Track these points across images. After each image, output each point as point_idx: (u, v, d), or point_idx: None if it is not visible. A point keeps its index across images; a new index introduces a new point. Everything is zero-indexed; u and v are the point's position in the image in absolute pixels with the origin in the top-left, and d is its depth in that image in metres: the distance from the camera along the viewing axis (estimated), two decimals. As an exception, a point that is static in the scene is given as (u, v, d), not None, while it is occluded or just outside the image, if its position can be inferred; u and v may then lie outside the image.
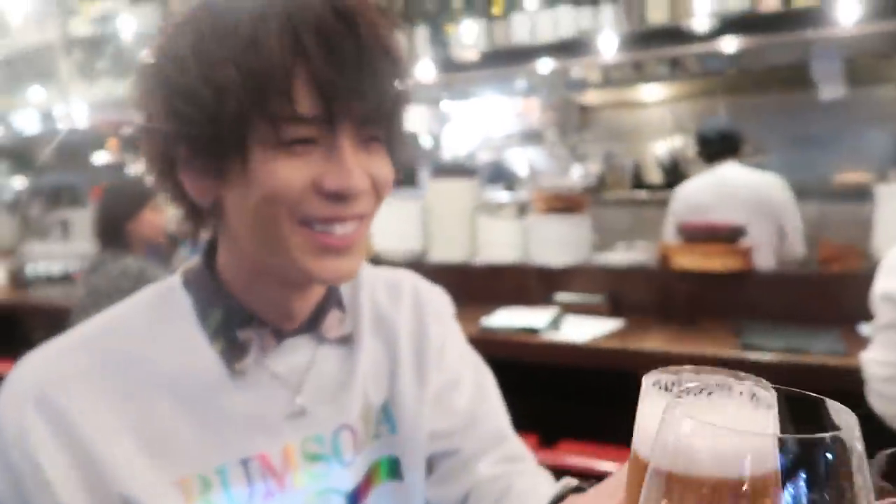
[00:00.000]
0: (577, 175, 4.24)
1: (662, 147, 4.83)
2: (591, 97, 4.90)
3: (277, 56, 0.59)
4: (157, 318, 0.71)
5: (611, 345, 2.23)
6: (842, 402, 0.31)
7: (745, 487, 0.28)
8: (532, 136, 5.05)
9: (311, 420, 0.74)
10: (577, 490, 0.67)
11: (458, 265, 3.00)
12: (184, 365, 0.68)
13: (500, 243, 2.96)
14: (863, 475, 0.29)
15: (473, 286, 2.89)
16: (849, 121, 4.09)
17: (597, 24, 3.00)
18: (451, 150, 5.23)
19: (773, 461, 0.28)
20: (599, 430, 1.90)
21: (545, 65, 3.23)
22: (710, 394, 0.36)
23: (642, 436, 0.41)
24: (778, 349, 2.04)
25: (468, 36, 3.30)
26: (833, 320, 2.24)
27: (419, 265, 3.01)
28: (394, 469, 0.79)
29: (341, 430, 0.75)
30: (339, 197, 0.63)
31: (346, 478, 0.75)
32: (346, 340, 0.79)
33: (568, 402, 2.36)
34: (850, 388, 1.77)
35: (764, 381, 0.36)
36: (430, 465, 0.83)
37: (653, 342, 2.25)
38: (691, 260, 2.66)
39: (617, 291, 2.78)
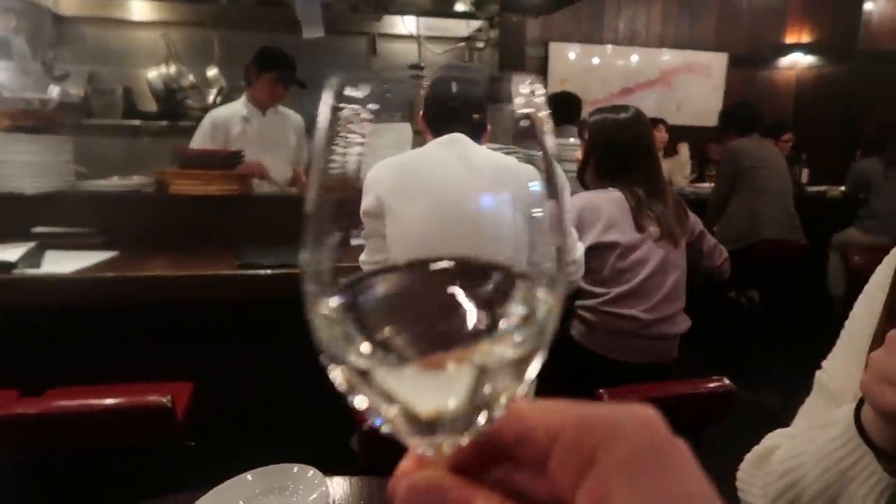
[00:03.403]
0: (55, 95, 3.67)
1: (155, 74, 4.55)
2: (67, 4, 4.27)
3: None
4: None
5: (105, 274, 2.03)
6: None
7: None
8: (-9, 46, 4.14)
9: None
10: None
11: None
12: None
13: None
14: None
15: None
16: (335, 66, 4.54)
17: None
18: None
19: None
20: (98, 372, 1.72)
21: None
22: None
23: None
24: (272, 266, 2.17)
25: None
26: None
27: None
28: None
29: None
30: None
31: None
32: None
33: (57, 347, 2.09)
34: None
35: None
36: None
37: (151, 270, 2.13)
38: (190, 185, 2.61)
39: (110, 222, 2.54)
